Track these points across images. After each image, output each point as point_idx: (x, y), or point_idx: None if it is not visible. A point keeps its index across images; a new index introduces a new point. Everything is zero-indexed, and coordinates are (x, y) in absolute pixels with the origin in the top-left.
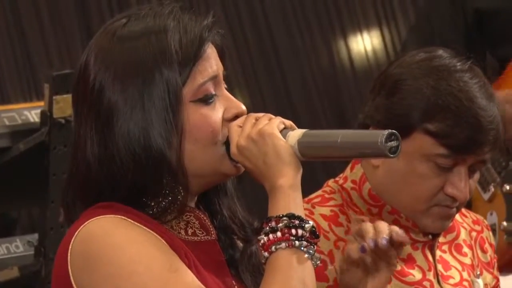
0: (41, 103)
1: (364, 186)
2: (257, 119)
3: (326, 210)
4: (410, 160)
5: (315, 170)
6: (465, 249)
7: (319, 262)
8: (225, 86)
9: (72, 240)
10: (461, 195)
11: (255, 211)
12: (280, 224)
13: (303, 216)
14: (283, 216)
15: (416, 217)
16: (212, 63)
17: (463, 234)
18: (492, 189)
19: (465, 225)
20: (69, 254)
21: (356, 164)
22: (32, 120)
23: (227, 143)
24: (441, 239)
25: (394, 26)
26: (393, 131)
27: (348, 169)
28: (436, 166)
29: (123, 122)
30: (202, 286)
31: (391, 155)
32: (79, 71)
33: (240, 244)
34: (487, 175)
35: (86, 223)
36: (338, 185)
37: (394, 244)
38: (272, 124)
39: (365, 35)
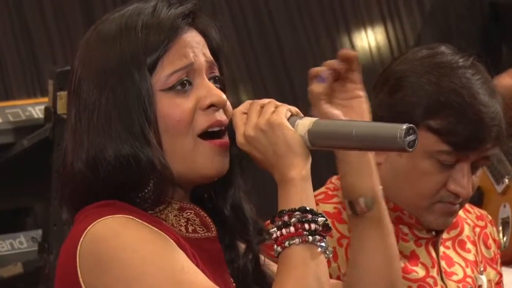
0: (45, 99)
1: None
2: (262, 106)
3: (329, 207)
4: (413, 157)
5: (318, 167)
6: (469, 245)
7: (331, 254)
8: (214, 74)
9: (81, 240)
10: (464, 192)
11: (265, 209)
12: (293, 219)
13: (315, 209)
14: (295, 210)
15: (419, 214)
16: (187, 51)
17: (466, 230)
18: (506, 181)
19: (468, 221)
20: (77, 255)
21: None
22: (36, 116)
23: (230, 130)
24: (444, 236)
25: (398, 23)
26: (411, 125)
27: None
28: (438, 163)
29: (103, 126)
30: (215, 285)
31: (410, 150)
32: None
33: (241, 245)
34: (501, 168)
35: (94, 223)
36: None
37: (345, 61)
38: (280, 113)
39: (369, 31)
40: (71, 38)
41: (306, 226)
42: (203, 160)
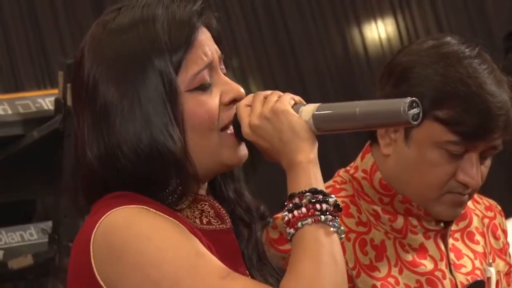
0: (55, 91)
1: (375, 176)
2: (266, 97)
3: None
4: (421, 148)
5: (328, 159)
6: (478, 237)
7: (343, 235)
8: (223, 68)
9: (94, 231)
10: (473, 182)
11: (264, 197)
12: (304, 200)
13: (325, 190)
14: (306, 191)
15: (428, 205)
16: (206, 50)
17: (475, 221)
18: None
19: (477, 212)
20: (91, 246)
21: (367, 154)
22: (46, 107)
23: (235, 124)
24: (453, 227)
25: (408, 14)
26: (414, 98)
27: (358, 158)
28: (447, 153)
29: (121, 120)
30: (229, 269)
31: (414, 123)
32: (75, 67)
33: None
34: None
35: (107, 214)
36: (349, 175)
37: None
38: (284, 100)
39: (379, 22)
40: (81, 29)
41: (318, 206)
42: (229, 152)
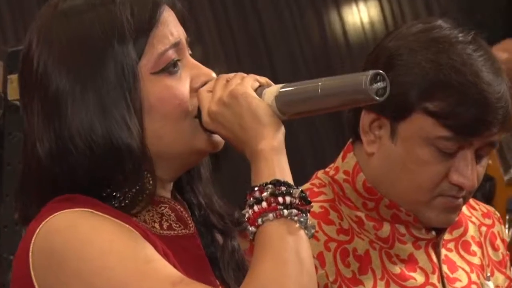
0: None
1: (358, 177)
2: (228, 80)
3: (315, 207)
4: (408, 144)
5: (304, 159)
6: (474, 247)
7: (313, 230)
8: (190, 52)
9: (34, 238)
10: (467, 183)
11: (234, 201)
12: (265, 193)
13: (290, 181)
14: (267, 183)
15: (418, 210)
16: (171, 28)
17: (471, 230)
18: None
19: (473, 219)
20: (30, 254)
21: (349, 153)
22: None
23: (199, 113)
24: (446, 236)
25: None
26: (378, 71)
27: (339, 158)
28: (438, 151)
29: (74, 109)
30: (183, 276)
31: (378, 98)
32: (23, 52)
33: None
34: (510, 156)
35: (48, 218)
36: (329, 177)
37: None
38: (245, 83)
39: (361, 5)
40: (23, 14)
41: (280, 199)
42: (202, 137)
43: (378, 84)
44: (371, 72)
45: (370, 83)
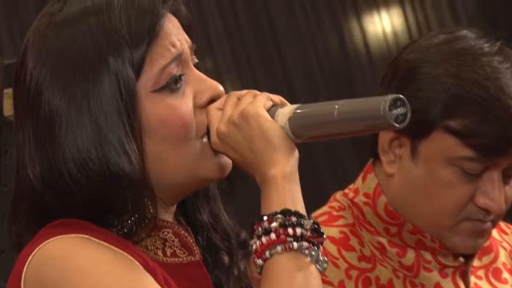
0: None
1: (379, 200)
2: (239, 98)
3: (334, 231)
4: (431, 165)
5: (323, 179)
6: (505, 275)
7: (325, 265)
8: (194, 58)
9: (26, 265)
10: (495, 206)
11: (246, 221)
12: (274, 224)
13: (302, 212)
14: (277, 213)
15: (443, 236)
16: (173, 40)
17: (502, 256)
18: None
19: (505, 244)
20: (22, 283)
21: (369, 174)
22: None
23: (208, 132)
24: (475, 263)
25: (418, 3)
26: (399, 95)
27: (359, 179)
28: (462, 172)
29: (68, 132)
30: None
31: (397, 125)
32: (16, 67)
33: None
34: None
35: (42, 244)
36: (348, 200)
37: None
38: (257, 102)
39: (384, 13)
40: (21, 25)
41: (290, 231)
42: (208, 163)
43: (398, 110)
44: (390, 96)
45: (389, 108)
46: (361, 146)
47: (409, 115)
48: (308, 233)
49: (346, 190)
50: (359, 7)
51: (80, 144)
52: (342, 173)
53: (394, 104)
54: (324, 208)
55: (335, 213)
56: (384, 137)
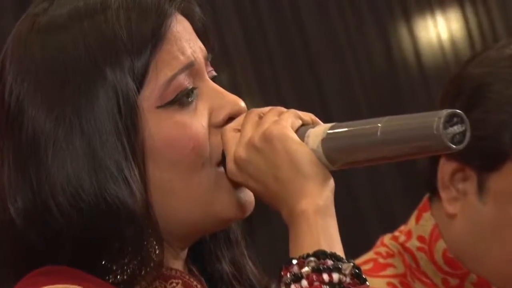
0: None
1: (437, 246)
2: (261, 117)
3: (380, 283)
4: (502, 203)
5: (366, 218)
6: None
7: None
8: (211, 70)
9: None
10: None
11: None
12: (306, 268)
13: (340, 253)
14: (309, 255)
15: None
16: (183, 45)
17: None
18: None
19: None
20: None
21: (425, 213)
22: None
23: (224, 158)
24: None
25: (482, 5)
26: (455, 110)
27: (412, 219)
28: None
29: (56, 157)
30: None
31: (454, 146)
32: None
33: None
34: None
35: None
36: (399, 244)
37: None
38: (283, 121)
39: (439, 17)
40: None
41: (325, 277)
42: (225, 199)
43: (455, 127)
44: (445, 112)
45: (444, 126)
46: (413, 177)
47: (468, 134)
48: (348, 279)
49: (396, 233)
50: (408, 9)
51: (70, 171)
52: (389, 211)
53: (449, 120)
54: (369, 254)
55: (382, 260)
56: (445, 168)
